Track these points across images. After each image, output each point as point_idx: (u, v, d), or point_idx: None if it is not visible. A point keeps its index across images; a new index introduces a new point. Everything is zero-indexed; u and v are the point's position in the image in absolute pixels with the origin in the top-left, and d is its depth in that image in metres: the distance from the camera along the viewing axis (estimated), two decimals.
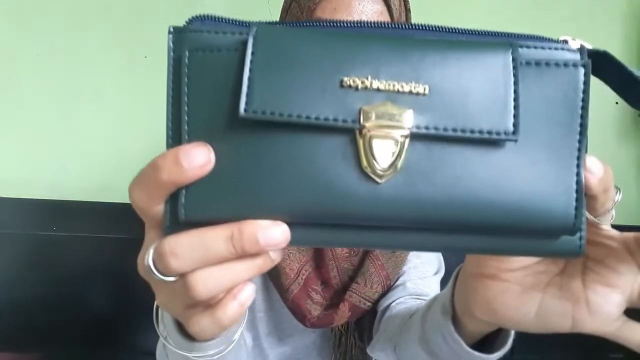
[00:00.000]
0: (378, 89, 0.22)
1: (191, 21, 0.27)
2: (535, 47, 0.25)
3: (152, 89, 1.13)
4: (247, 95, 0.22)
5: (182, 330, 0.35)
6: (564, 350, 1.24)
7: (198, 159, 0.22)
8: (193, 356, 0.35)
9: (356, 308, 0.63)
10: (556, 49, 0.25)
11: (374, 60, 0.22)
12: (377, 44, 0.22)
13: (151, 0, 1.12)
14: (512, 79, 0.23)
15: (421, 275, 0.67)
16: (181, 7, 1.13)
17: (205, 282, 0.23)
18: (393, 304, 0.64)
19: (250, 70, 0.22)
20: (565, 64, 0.25)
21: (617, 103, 1.26)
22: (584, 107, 0.26)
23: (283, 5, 0.65)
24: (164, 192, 0.24)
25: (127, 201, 1.08)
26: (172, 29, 0.25)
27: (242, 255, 0.23)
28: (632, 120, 1.27)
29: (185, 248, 0.22)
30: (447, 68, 0.22)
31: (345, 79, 0.22)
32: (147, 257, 0.25)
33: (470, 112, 0.22)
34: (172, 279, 0.24)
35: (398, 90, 0.22)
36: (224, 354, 0.36)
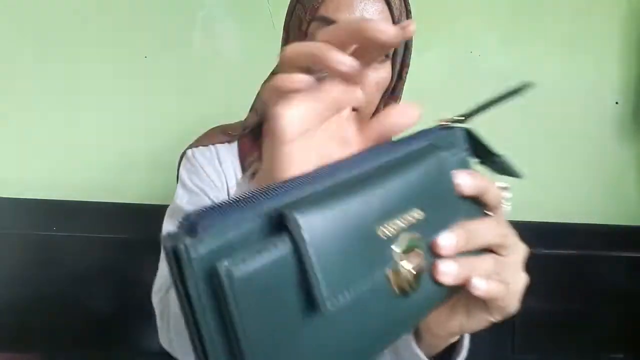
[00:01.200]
0: (399, 226, 0.25)
1: (192, 223, 0.19)
2: (439, 137, 0.31)
3: (152, 89, 1.13)
4: (318, 289, 0.21)
5: None
6: (564, 350, 1.24)
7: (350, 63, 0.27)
8: None
9: None
10: (449, 133, 0.33)
11: (384, 201, 0.25)
12: (370, 188, 0.24)
13: (151, 0, 1.12)
14: (448, 170, 0.30)
15: None
16: (181, 7, 1.13)
17: None
18: None
19: (312, 263, 0.21)
20: (460, 146, 0.33)
21: (617, 103, 1.26)
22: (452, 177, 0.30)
23: (288, 8, 0.66)
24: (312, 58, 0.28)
25: (127, 201, 1.08)
26: (182, 249, 0.18)
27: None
28: (632, 120, 1.27)
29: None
30: (419, 189, 0.27)
31: (379, 229, 0.24)
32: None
33: (444, 209, 0.28)
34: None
35: (409, 220, 0.25)
36: None
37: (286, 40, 0.66)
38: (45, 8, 1.10)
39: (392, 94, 0.66)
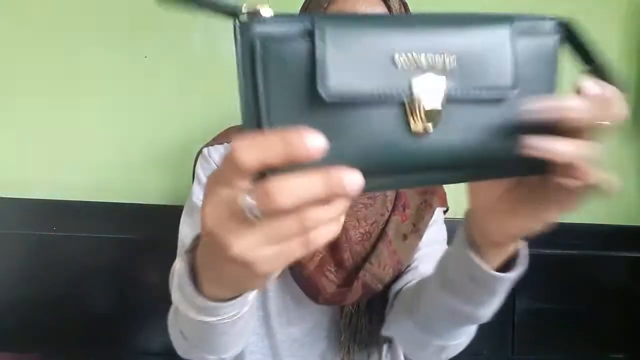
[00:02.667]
0: (421, 62, 0.28)
1: (252, 17, 0.27)
2: (526, 20, 0.31)
3: (152, 89, 1.13)
4: (322, 80, 0.26)
5: (201, 294, 0.38)
6: (564, 350, 1.24)
7: (319, 145, 0.25)
8: (208, 319, 0.39)
9: (368, 287, 0.65)
10: (540, 20, 0.32)
11: (414, 40, 0.28)
12: (413, 26, 0.28)
13: (151, 0, 1.12)
14: (511, 47, 0.30)
15: (432, 261, 0.69)
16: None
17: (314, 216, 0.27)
18: (405, 287, 0.66)
19: (323, 56, 0.26)
20: (546, 33, 0.32)
21: None
22: (556, 67, 0.33)
23: (299, 11, 0.69)
24: (277, 163, 0.26)
25: (127, 201, 1.08)
26: (238, 22, 0.27)
27: (330, 197, 0.26)
28: (632, 120, 1.27)
29: (294, 186, 0.25)
30: (467, 40, 0.29)
31: (396, 56, 0.27)
32: (245, 199, 0.26)
33: (484, 75, 0.29)
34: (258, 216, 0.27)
35: (436, 62, 0.28)
36: (238, 317, 0.41)
37: None
38: (45, 8, 1.09)
39: None
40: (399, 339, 0.65)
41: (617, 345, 1.26)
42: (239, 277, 0.32)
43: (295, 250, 0.27)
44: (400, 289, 0.67)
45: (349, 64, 0.27)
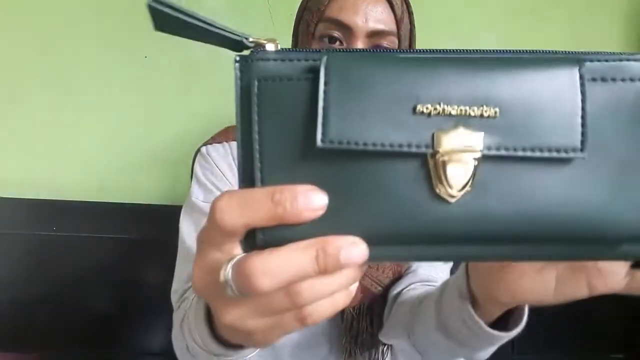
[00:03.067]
0: (450, 114, 0.23)
1: (256, 51, 0.25)
2: (601, 61, 0.24)
3: (152, 89, 1.13)
4: (323, 125, 0.22)
5: (219, 341, 0.36)
6: (564, 350, 1.24)
7: (316, 203, 0.22)
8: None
9: (368, 291, 0.65)
10: (621, 61, 0.25)
11: (445, 84, 0.23)
12: (446, 67, 0.23)
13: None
14: (580, 96, 0.23)
15: (432, 263, 0.69)
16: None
17: (309, 292, 0.24)
18: (404, 290, 0.65)
19: (325, 99, 0.23)
20: (632, 79, 0.24)
21: None
22: None
23: (296, 15, 0.69)
24: (263, 224, 0.23)
25: (127, 201, 1.08)
26: (238, 58, 0.25)
27: (324, 272, 0.23)
28: None
29: (276, 267, 0.22)
30: (515, 88, 0.23)
31: (419, 106, 0.23)
32: (225, 274, 0.24)
33: (538, 131, 0.23)
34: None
35: (469, 115, 0.23)
36: (250, 356, 0.38)
37: (295, 46, 0.68)
38: (45, 8, 1.09)
39: None
40: (397, 349, 0.65)
41: (617, 345, 1.26)
42: (244, 341, 0.30)
43: (289, 324, 0.25)
44: (400, 292, 0.65)
45: (358, 109, 0.22)
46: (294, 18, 0.72)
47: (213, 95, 1.14)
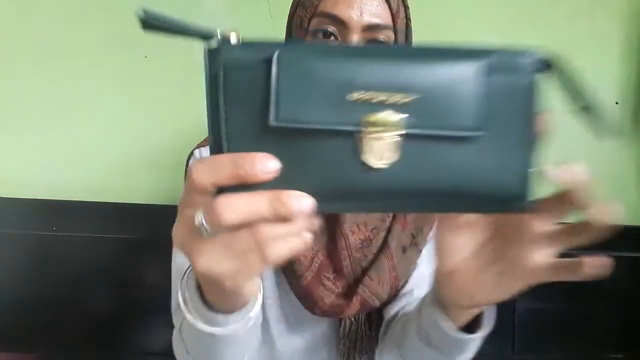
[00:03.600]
0: (377, 99, 0.28)
1: (222, 43, 0.30)
2: (500, 56, 0.31)
3: (152, 89, 1.13)
4: (276, 108, 0.28)
5: (207, 306, 0.40)
6: (563, 350, 1.24)
7: (270, 167, 0.28)
8: (213, 331, 0.40)
9: (366, 303, 0.65)
10: (516, 55, 0.31)
11: (374, 74, 0.28)
12: (375, 60, 0.28)
13: (151, 1, 1.12)
14: (481, 85, 0.29)
15: (429, 283, 0.69)
16: (181, 7, 1.13)
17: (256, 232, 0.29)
18: (400, 311, 0.67)
19: (276, 86, 0.28)
20: (524, 70, 0.31)
21: (617, 103, 1.26)
22: (535, 108, 0.31)
23: (289, 12, 0.68)
24: (228, 182, 0.28)
25: (127, 201, 1.08)
26: (207, 49, 0.31)
27: (279, 218, 0.28)
28: (632, 120, 1.27)
29: (238, 204, 0.27)
30: (431, 77, 0.29)
31: (353, 93, 0.28)
32: (198, 216, 0.29)
33: (448, 114, 0.29)
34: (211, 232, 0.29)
35: (393, 100, 0.28)
36: (243, 330, 0.41)
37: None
38: (45, 8, 1.10)
39: None
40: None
41: (617, 345, 1.26)
42: (221, 294, 0.36)
43: (253, 264, 0.29)
44: (396, 313, 0.67)
45: (303, 95, 0.28)
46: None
47: None
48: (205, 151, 0.72)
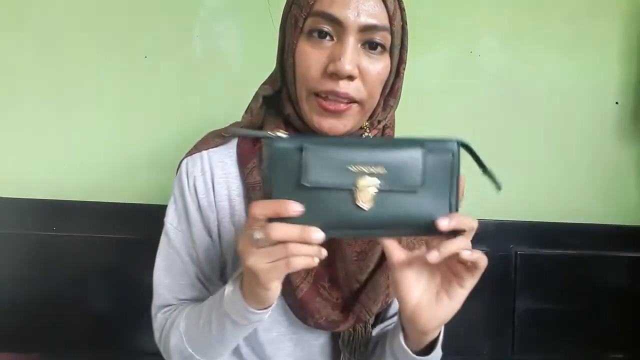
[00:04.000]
0: (362, 170, 0.48)
1: (275, 137, 0.50)
2: (434, 142, 0.51)
3: (152, 89, 1.13)
4: (305, 175, 0.48)
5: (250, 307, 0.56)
6: (564, 350, 1.24)
7: (297, 210, 0.47)
8: (248, 324, 0.57)
9: (360, 320, 0.67)
10: (445, 142, 0.51)
11: (360, 156, 0.49)
12: (361, 147, 0.49)
13: (151, 1, 1.12)
14: (421, 160, 0.49)
15: None
16: (181, 7, 1.13)
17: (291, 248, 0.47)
18: (384, 328, 0.73)
19: (305, 162, 0.48)
20: (447, 151, 0.51)
21: (617, 103, 1.26)
22: (455, 174, 0.51)
23: (283, 11, 0.66)
24: (273, 216, 0.48)
25: (127, 201, 1.08)
26: (265, 141, 0.50)
27: (303, 241, 0.47)
28: (632, 120, 1.27)
29: (281, 229, 0.47)
30: (393, 158, 0.49)
31: (348, 166, 0.48)
32: (256, 234, 0.48)
33: (403, 178, 0.49)
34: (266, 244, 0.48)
35: (371, 171, 0.49)
36: (256, 324, 0.58)
37: (283, 43, 0.66)
38: (45, 8, 1.10)
39: (390, 91, 0.66)
40: None
41: (617, 345, 1.26)
42: (256, 286, 0.51)
43: (281, 268, 0.48)
44: (380, 330, 0.73)
45: (321, 167, 0.48)
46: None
47: (213, 95, 1.14)
48: (192, 161, 0.70)
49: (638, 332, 1.24)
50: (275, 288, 0.51)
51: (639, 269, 1.24)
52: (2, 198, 1.09)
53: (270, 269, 0.48)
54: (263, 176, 0.53)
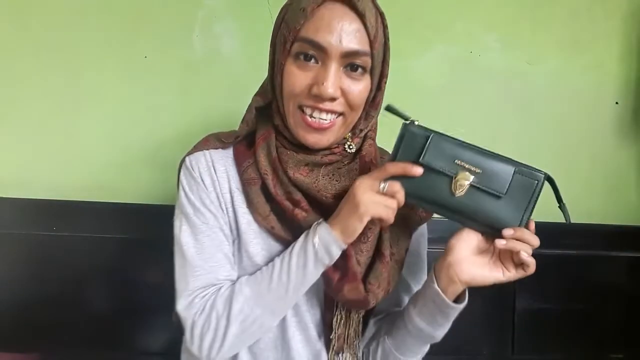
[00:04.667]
0: (464, 166, 0.63)
1: (410, 122, 0.66)
2: (526, 167, 0.65)
3: (152, 89, 1.13)
4: (424, 155, 0.64)
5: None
6: (564, 350, 1.24)
7: (419, 172, 0.64)
8: (337, 246, 0.65)
9: (367, 302, 0.70)
10: (534, 171, 0.65)
11: (466, 156, 0.64)
12: (469, 149, 0.64)
13: (151, 0, 1.12)
14: (510, 177, 0.64)
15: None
16: (181, 7, 1.13)
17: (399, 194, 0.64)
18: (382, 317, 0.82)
19: (427, 148, 0.64)
20: (532, 177, 0.65)
21: (617, 103, 1.26)
22: (535, 198, 0.65)
23: (275, 23, 0.71)
24: (399, 174, 0.64)
25: (127, 201, 1.08)
26: (404, 123, 0.66)
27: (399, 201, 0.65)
28: (632, 120, 1.27)
29: (396, 186, 0.64)
30: (491, 165, 0.64)
31: (456, 160, 0.64)
32: (382, 184, 0.64)
33: (494, 182, 0.64)
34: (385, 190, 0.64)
35: (470, 168, 0.63)
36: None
37: (273, 55, 0.71)
38: (45, 8, 1.10)
39: (372, 102, 0.72)
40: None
41: (617, 345, 1.26)
42: (353, 217, 0.63)
43: (382, 209, 0.63)
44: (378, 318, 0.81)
45: (437, 154, 0.64)
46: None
47: (213, 95, 1.14)
48: (195, 160, 0.73)
49: (638, 332, 1.24)
50: (363, 224, 0.63)
51: (639, 269, 1.24)
52: (2, 198, 1.09)
53: (375, 207, 0.62)
54: (395, 147, 0.65)
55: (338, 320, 0.73)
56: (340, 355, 0.75)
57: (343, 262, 0.68)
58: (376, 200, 0.62)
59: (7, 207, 1.08)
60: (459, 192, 0.62)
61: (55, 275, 1.08)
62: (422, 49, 1.18)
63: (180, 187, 0.74)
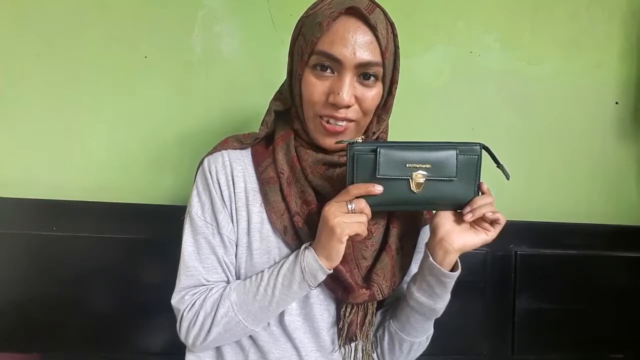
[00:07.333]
0: (415, 166, 0.68)
1: (354, 142, 0.69)
2: (463, 145, 0.70)
3: (152, 89, 1.13)
4: (378, 170, 0.67)
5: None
6: (564, 350, 1.24)
7: (380, 190, 0.68)
8: (322, 272, 0.70)
9: (373, 296, 0.75)
10: (471, 146, 0.70)
11: (414, 156, 0.68)
12: (416, 150, 0.68)
13: (151, 1, 1.12)
14: (455, 159, 0.69)
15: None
16: (181, 7, 1.13)
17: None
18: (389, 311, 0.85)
19: (378, 161, 0.67)
20: (472, 153, 0.70)
21: (617, 103, 1.26)
22: (479, 168, 0.71)
23: (292, 34, 0.76)
24: (362, 195, 0.68)
25: (127, 201, 1.09)
26: (348, 144, 0.68)
27: (368, 215, 0.69)
28: (632, 120, 1.27)
29: (362, 203, 0.68)
30: (436, 157, 0.68)
31: (406, 164, 0.68)
32: (349, 205, 0.67)
33: (443, 170, 0.69)
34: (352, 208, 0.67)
35: (421, 166, 0.68)
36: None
37: (291, 65, 0.76)
38: (45, 8, 1.10)
39: (383, 106, 0.77)
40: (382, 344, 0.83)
41: (617, 345, 1.26)
42: (332, 240, 0.66)
43: (356, 226, 0.66)
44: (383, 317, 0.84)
45: (389, 164, 0.67)
46: (293, 27, 0.76)
47: (213, 95, 1.14)
48: (213, 160, 0.78)
49: (638, 332, 1.24)
50: (344, 245, 0.67)
51: (639, 269, 1.24)
52: (2, 198, 1.09)
53: (349, 226, 0.65)
54: (346, 169, 0.68)
55: (348, 312, 0.77)
56: (353, 344, 0.79)
57: (338, 279, 0.73)
58: (347, 220, 0.66)
59: (7, 207, 1.08)
60: (418, 189, 0.68)
61: (55, 275, 1.08)
62: (422, 49, 1.18)
63: (194, 187, 0.78)
